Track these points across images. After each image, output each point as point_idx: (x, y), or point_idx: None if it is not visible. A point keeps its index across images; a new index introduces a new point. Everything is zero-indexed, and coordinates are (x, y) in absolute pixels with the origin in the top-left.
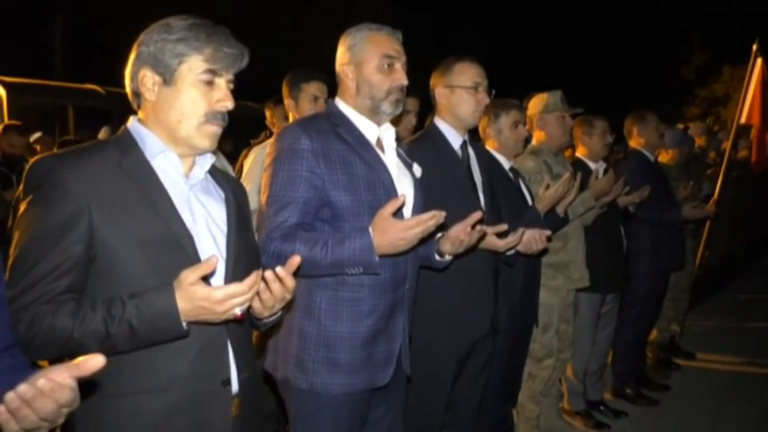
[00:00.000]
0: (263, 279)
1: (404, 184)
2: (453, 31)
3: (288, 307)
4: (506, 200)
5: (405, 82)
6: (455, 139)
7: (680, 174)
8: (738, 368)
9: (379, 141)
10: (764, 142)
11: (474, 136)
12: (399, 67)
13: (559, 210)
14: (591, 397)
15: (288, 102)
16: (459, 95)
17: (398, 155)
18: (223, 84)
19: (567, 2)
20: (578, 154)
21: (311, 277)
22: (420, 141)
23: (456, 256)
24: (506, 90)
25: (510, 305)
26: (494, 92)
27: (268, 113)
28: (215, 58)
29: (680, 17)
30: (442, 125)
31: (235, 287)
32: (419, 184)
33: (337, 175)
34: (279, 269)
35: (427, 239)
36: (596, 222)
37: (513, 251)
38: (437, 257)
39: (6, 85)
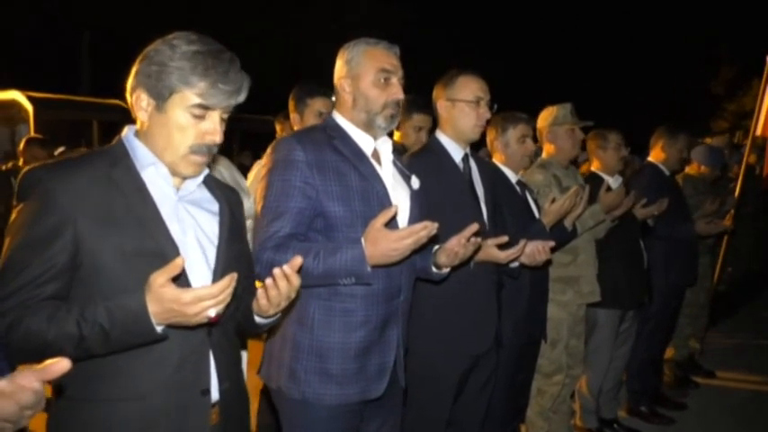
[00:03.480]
0: (272, 276)
1: (400, 195)
2: (469, 46)
3: (287, 310)
4: (512, 213)
5: (400, 96)
6: (456, 152)
7: (707, 188)
8: (759, 387)
9: (376, 154)
10: None
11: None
12: (396, 81)
13: (567, 223)
14: (604, 415)
15: (293, 116)
16: (461, 109)
17: (396, 167)
18: (216, 117)
19: (597, 17)
20: (593, 168)
21: (305, 287)
22: (421, 154)
23: (454, 268)
24: (528, 105)
25: (515, 319)
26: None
27: (278, 127)
28: (208, 94)
29: (709, 31)
30: (443, 138)
31: (205, 289)
32: (416, 197)
33: (331, 186)
34: (286, 267)
35: (421, 251)
36: (615, 236)
37: (516, 264)
38: (434, 270)
39: (34, 100)
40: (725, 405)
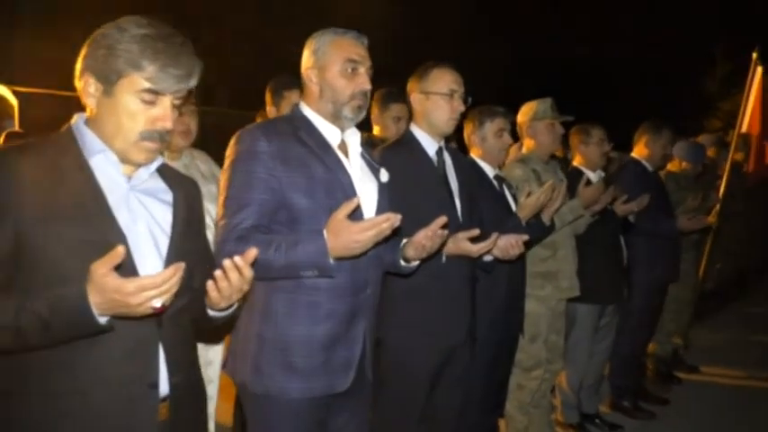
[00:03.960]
0: (222, 268)
1: (367, 188)
2: (468, 39)
3: (245, 298)
4: (489, 207)
5: (367, 87)
6: (430, 145)
7: (689, 184)
8: (742, 382)
9: (343, 146)
10: (762, 152)
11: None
12: (363, 71)
13: (545, 218)
14: (586, 410)
15: (270, 109)
16: (435, 102)
17: (364, 159)
18: (166, 103)
19: (589, 14)
20: (575, 163)
21: (268, 280)
22: (394, 147)
23: (424, 261)
24: (516, 100)
25: (492, 314)
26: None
27: (259, 120)
28: (158, 78)
29: (704, 29)
30: (417, 131)
31: (148, 279)
32: (384, 189)
33: (295, 177)
34: (237, 258)
35: (386, 243)
36: (595, 232)
37: (490, 257)
38: (402, 263)
39: (19, 95)
40: (708, 400)
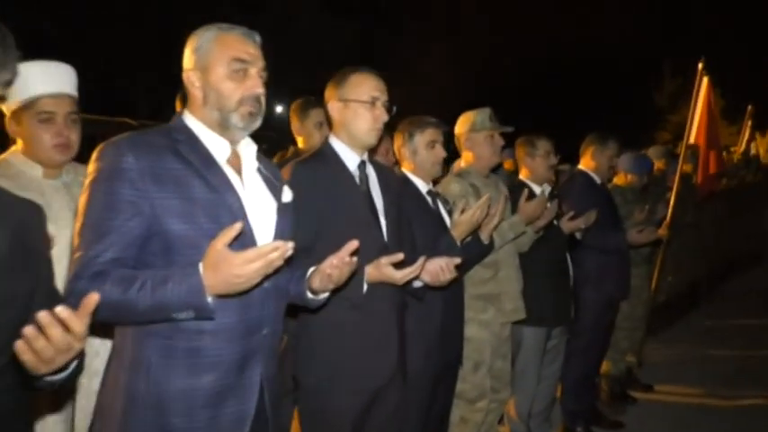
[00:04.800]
0: (37, 323)
1: (263, 210)
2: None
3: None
4: (422, 227)
5: (259, 90)
6: (351, 158)
7: (636, 197)
8: (699, 400)
9: (236, 160)
10: (708, 162)
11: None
12: (255, 73)
13: (483, 236)
14: None
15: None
16: (354, 110)
17: (262, 176)
18: None
19: (542, 29)
20: (521, 176)
21: (135, 325)
22: (308, 161)
23: (335, 291)
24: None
25: (427, 344)
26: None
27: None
28: None
29: (652, 45)
30: (336, 143)
31: None
32: (287, 211)
33: (169, 199)
34: (59, 308)
35: (282, 272)
36: (540, 250)
37: (419, 283)
38: (309, 295)
39: None
40: (664, 420)
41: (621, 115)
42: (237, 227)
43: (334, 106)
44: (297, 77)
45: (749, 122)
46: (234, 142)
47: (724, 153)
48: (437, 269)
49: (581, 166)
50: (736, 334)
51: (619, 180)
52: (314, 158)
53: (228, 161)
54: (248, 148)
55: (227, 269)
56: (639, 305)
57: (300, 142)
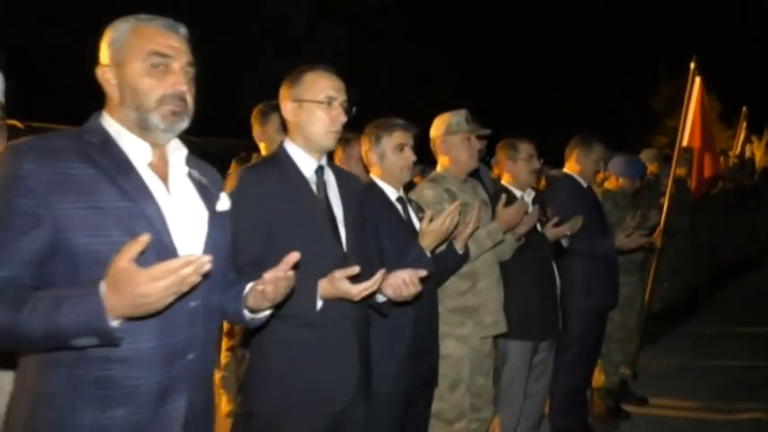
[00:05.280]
0: None
1: (191, 220)
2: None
3: None
4: (390, 236)
5: (182, 88)
6: (307, 163)
7: (627, 202)
8: (696, 414)
9: (162, 166)
10: (702, 165)
11: None
12: (178, 68)
13: (457, 245)
14: None
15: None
16: (310, 112)
17: (194, 182)
18: None
19: (539, 32)
20: (503, 181)
21: (30, 353)
22: (259, 167)
23: (278, 307)
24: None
25: (396, 362)
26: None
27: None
28: None
29: (648, 50)
30: (291, 147)
31: None
32: (221, 221)
33: (74, 209)
34: None
35: (203, 291)
36: (523, 259)
37: (383, 297)
38: (247, 314)
39: None
40: None
41: (617, 119)
42: (144, 239)
43: (288, 107)
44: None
45: (744, 124)
46: (156, 145)
47: (722, 157)
48: (399, 283)
49: (566, 170)
50: (737, 342)
51: (610, 184)
52: (265, 164)
53: (152, 166)
54: (177, 153)
55: (130, 288)
56: (632, 315)
57: (263, 149)
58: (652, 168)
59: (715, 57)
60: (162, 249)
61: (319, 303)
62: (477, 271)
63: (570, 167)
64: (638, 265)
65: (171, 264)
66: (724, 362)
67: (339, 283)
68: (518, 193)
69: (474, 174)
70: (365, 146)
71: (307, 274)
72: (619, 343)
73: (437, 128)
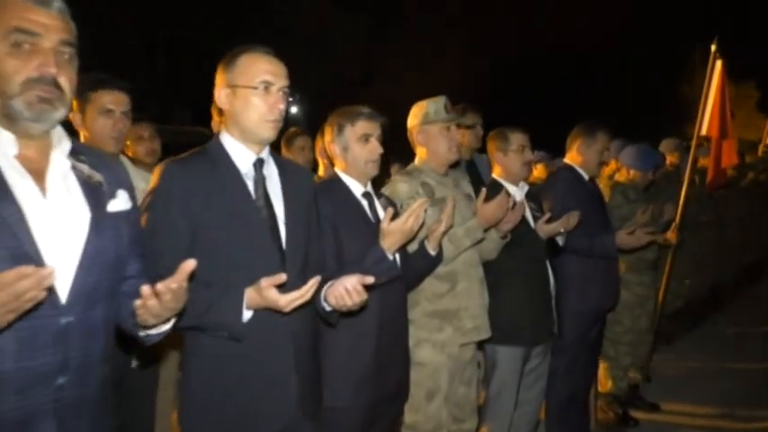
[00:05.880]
0: None
1: (67, 225)
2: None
3: None
4: (353, 237)
5: (52, 71)
6: (244, 157)
7: (639, 196)
8: (712, 422)
9: (38, 161)
10: (720, 156)
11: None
12: (48, 48)
13: (429, 245)
14: None
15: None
16: (244, 98)
17: (84, 181)
18: None
19: (571, 23)
20: (494, 174)
21: None
22: (186, 161)
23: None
24: (507, 114)
25: (356, 375)
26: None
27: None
28: None
29: (682, 36)
30: (227, 139)
31: None
32: (110, 223)
33: None
34: None
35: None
36: (512, 258)
37: (327, 307)
38: (140, 331)
39: None
40: None
41: (648, 109)
42: None
43: (221, 94)
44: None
45: None
46: (28, 136)
47: (760, 147)
48: (341, 292)
49: (566, 160)
50: (762, 344)
51: (621, 177)
52: (194, 157)
53: (24, 162)
54: (59, 147)
55: None
56: (644, 316)
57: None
58: (672, 159)
59: (755, 42)
60: (21, 259)
61: (247, 314)
62: (456, 272)
63: (571, 158)
64: (651, 263)
65: (22, 271)
66: (746, 365)
67: (266, 292)
68: (511, 187)
69: (471, 167)
70: (327, 137)
71: (238, 281)
72: (628, 346)
73: (414, 116)
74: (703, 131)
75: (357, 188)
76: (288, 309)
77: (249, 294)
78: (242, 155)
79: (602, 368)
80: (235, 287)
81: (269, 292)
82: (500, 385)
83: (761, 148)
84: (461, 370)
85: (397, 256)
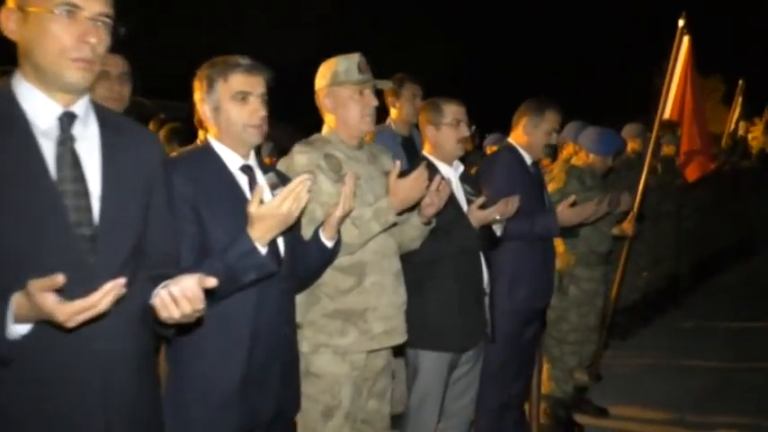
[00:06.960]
0: None
1: None
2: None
3: None
4: (222, 219)
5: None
6: (43, 109)
7: (595, 182)
8: (664, 428)
9: None
10: (694, 140)
11: None
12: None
13: (326, 234)
14: None
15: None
16: (38, 25)
17: None
18: None
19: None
20: (425, 152)
21: None
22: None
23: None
24: (497, 101)
25: (221, 395)
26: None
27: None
28: None
29: (654, 26)
30: (20, 84)
31: None
32: None
33: None
34: None
35: None
36: (438, 248)
37: (166, 315)
38: None
39: None
40: None
41: (617, 97)
42: None
43: (9, 17)
44: None
45: (740, 99)
46: None
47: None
48: (163, 299)
49: (510, 140)
50: (720, 339)
51: (578, 160)
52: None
53: None
54: None
55: None
56: (592, 313)
57: None
58: (634, 145)
59: (717, 34)
60: None
61: (17, 328)
62: (364, 263)
63: (516, 138)
64: (603, 256)
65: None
66: (702, 362)
67: (37, 299)
68: (443, 166)
69: (408, 143)
70: (196, 94)
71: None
72: (574, 345)
73: (321, 76)
74: (666, 115)
75: (233, 160)
76: (71, 324)
77: (17, 301)
78: (41, 105)
79: (546, 369)
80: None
81: (41, 299)
82: (422, 395)
83: (724, 140)
84: (371, 381)
85: (281, 245)
